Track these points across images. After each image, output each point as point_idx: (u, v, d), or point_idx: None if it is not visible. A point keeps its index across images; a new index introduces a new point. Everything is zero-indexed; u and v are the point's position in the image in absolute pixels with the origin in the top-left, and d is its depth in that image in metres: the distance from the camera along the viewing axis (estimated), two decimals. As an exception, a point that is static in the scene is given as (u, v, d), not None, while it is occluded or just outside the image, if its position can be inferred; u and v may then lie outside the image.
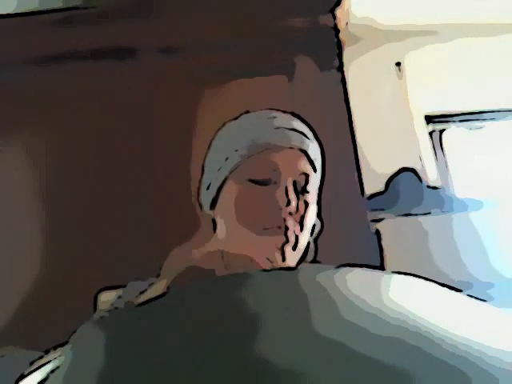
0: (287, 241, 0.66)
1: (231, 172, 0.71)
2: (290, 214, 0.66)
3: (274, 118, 0.73)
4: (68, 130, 1.32)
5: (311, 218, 0.70)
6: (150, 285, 0.65)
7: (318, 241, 0.80)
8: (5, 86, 1.32)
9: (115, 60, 1.35)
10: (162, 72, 1.35)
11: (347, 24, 1.47)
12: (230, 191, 0.70)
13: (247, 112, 0.77)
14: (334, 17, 1.41)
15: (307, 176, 0.70)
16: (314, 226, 0.74)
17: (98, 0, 1.35)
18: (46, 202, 1.28)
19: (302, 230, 0.68)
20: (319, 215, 0.74)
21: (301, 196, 0.69)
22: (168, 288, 0.61)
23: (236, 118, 0.76)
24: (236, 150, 0.70)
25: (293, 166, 0.69)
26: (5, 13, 1.34)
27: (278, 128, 0.71)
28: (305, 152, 0.71)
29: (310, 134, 0.75)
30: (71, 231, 1.26)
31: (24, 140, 1.32)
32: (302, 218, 0.68)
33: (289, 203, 0.66)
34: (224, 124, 0.77)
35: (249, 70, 1.35)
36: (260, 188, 0.68)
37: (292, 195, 0.67)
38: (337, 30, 1.41)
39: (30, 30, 1.35)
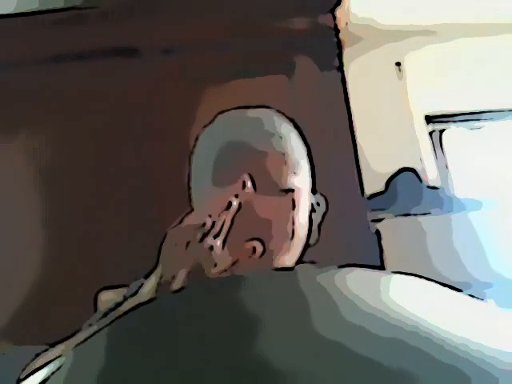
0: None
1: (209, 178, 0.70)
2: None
3: (243, 118, 0.71)
4: (68, 130, 1.32)
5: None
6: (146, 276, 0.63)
7: (318, 241, 0.79)
8: (5, 85, 1.32)
9: (116, 60, 1.36)
10: (162, 72, 1.35)
11: (347, 24, 1.47)
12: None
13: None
14: (334, 17, 1.41)
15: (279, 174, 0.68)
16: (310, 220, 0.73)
17: (98, 0, 1.35)
18: (46, 201, 1.28)
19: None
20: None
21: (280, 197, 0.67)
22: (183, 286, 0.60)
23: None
24: (209, 158, 0.70)
25: (263, 173, 0.67)
26: (5, 13, 1.34)
27: (246, 131, 0.69)
28: (281, 152, 0.69)
29: (281, 127, 0.72)
30: (71, 231, 1.26)
31: (24, 140, 1.32)
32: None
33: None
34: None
35: (249, 69, 1.35)
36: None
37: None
38: (337, 30, 1.41)
39: (30, 30, 1.35)
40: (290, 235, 0.68)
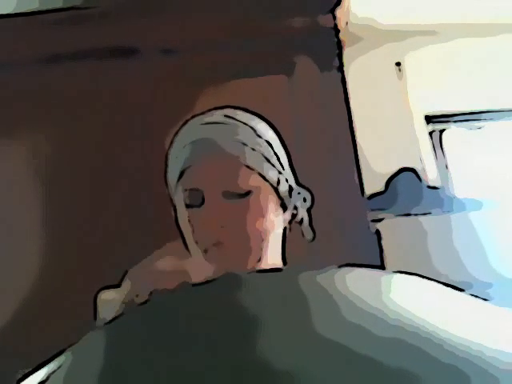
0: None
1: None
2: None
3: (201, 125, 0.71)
4: (68, 130, 1.32)
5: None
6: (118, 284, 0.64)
7: (317, 241, 0.79)
8: (5, 85, 1.32)
9: (115, 60, 1.35)
10: (162, 72, 1.35)
11: (347, 24, 1.47)
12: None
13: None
14: (334, 17, 1.41)
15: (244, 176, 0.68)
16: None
17: (98, 0, 1.35)
18: (46, 201, 1.28)
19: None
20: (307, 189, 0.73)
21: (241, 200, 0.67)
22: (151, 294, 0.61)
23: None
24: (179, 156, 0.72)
25: (217, 178, 0.68)
26: (5, 13, 1.34)
27: (197, 141, 0.70)
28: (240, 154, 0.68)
29: (246, 126, 0.72)
30: (71, 231, 1.26)
31: (24, 140, 1.32)
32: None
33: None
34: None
35: (249, 69, 1.35)
36: (192, 211, 0.68)
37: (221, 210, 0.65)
38: (337, 30, 1.41)
39: (30, 30, 1.35)
40: (260, 235, 0.67)
